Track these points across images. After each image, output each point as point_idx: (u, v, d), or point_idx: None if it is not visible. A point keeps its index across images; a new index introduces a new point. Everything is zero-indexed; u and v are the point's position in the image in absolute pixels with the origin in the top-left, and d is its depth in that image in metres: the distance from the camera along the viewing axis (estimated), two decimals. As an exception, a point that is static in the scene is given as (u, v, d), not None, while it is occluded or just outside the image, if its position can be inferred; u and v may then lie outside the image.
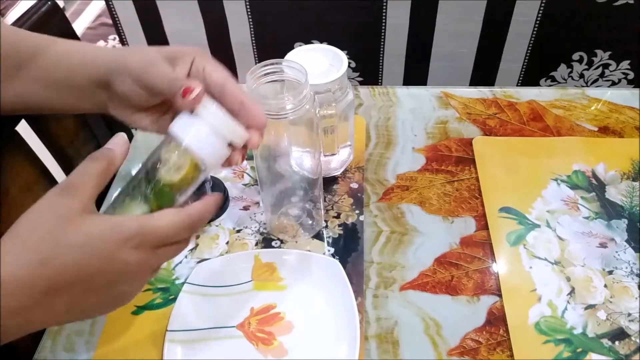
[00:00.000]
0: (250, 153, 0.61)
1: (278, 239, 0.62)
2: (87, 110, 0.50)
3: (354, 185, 0.67)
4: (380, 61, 1.08)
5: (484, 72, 1.08)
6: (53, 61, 0.48)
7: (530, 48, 1.03)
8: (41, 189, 0.67)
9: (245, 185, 0.68)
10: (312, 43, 1.03)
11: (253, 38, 1.08)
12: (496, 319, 0.54)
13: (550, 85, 1.10)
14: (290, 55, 0.62)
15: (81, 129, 0.75)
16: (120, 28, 1.09)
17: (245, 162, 0.71)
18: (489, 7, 0.97)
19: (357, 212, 0.64)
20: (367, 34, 1.04)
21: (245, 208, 0.66)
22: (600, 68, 1.06)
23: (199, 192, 0.62)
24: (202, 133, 0.41)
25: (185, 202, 0.42)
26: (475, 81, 1.10)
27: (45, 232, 0.34)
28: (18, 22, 0.63)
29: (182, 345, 0.52)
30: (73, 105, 0.49)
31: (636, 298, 0.55)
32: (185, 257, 0.61)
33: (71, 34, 0.71)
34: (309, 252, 0.60)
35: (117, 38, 1.17)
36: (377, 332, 0.54)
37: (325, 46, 0.63)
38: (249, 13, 1.04)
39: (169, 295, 0.57)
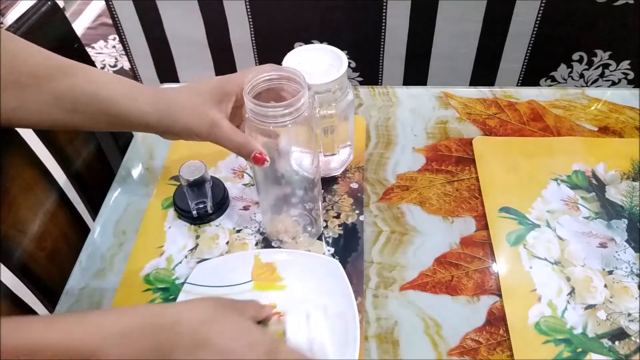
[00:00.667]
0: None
1: (278, 239, 0.62)
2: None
3: (354, 185, 0.67)
4: (380, 61, 1.08)
5: (484, 72, 1.08)
6: (86, 93, 0.51)
7: (530, 48, 1.03)
8: (41, 189, 0.67)
9: (245, 185, 0.68)
10: (312, 43, 1.03)
11: (253, 38, 1.08)
12: (496, 319, 0.54)
13: (550, 85, 1.10)
14: (290, 55, 0.62)
15: (81, 129, 0.75)
16: (120, 28, 1.09)
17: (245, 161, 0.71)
18: (489, 7, 0.97)
19: (357, 212, 0.64)
20: (367, 34, 1.04)
21: (245, 208, 0.66)
22: (600, 68, 1.06)
23: (199, 192, 0.62)
24: None
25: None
26: (475, 81, 1.10)
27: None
28: (18, 22, 0.63)
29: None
30: (90, 129, 0.57)
31: (636, 298, 0.55)
32: (185, 257, 0.61)
33: (71, 34, 0.71)
34: (309, 252, 0.60)
35: (117, 38, 1.17)
36: (377, 332, 0.54)
37: (325, 46, 0.63)
38: (249, 13, 1.04)
39: (169, 295, 0.57)
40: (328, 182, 0.67)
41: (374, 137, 0.74)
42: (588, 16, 0.97)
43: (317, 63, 0.61)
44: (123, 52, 1.13)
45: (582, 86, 1.08)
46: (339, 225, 0.63)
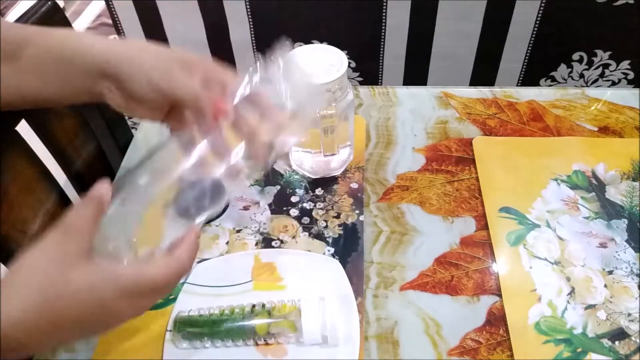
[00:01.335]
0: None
1: (278, 239, 0.62)
2: (81, 101, 0.49)
3: (354, 185, 0.67)
4: (380, 61, 1.08)
5: (484, 72, 1.08)
6: (47, 50, 0.47)
7: (530, 48, 1.03)
8: (41, 189, 0.67)
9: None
10: (312, 43, 1.03)
11: (253, 38, 1.07)
12: (496, 319, 0.54)
13: (550, 85, 1.10)
14: (290, 56, 0.62)
15: (81, 129, 0.75)
16: (120, 28, 1.09)
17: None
18: (489, 7, 0.97)
19: (357, 212, 0.64)
20: (367, 34, 1.04)
21: (245, 208, 0.66)
22: (600, 68, 1.05)
23: (199, 193, 0.62)
24: None
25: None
26: (475, 81, 1.10)
27: (49, 275, 0.36)
28: (18, 22, 0.63)
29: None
30: (67, 96, 0.48)
31: (636, 298, 0.55)
32: (185, 257, 0.61)
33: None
34: (309, 252, 0.60)
35: (117, 38, 1.17)
36: (377, 332, 0.54)
37: (325, 46, 0.63)
38: (249, 13, 1.03)
39: (169, 295, 0.57)
40: (328, 182, 0.67)
41: (374, 137, 0.74)
42: (588, 16, 0.97)
43: (317, 63, 0.61)
44: (123, 52, 1.13)
45: (582, 86, 1.08)
46: (339, 225, 0.63)
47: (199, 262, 0.59)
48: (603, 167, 0.68)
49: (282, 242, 0.62)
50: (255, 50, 1.10)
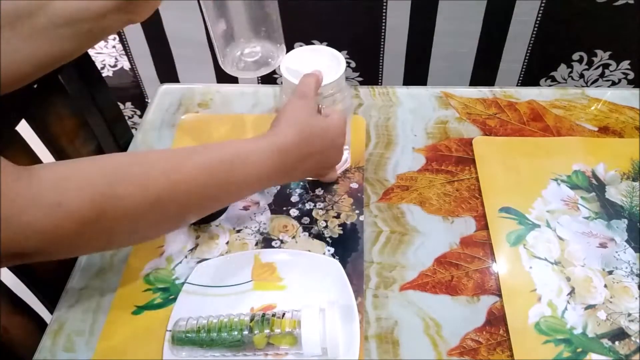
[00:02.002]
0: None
1: (278, 239, 0.62)
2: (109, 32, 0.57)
3: (354, 185, 0.67)
4: (380, 61, 1.08)
5: (484, 72, 1.08)
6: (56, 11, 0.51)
7: (530, 48, 1.03)
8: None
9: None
10: (312, 43, 1.03)
11: (253, 38, 1.08)
12: (496, 319, 0.54)
13: (550, 85, 1.10)
14: (290, 56, 0.62)
15: (81, 129, 0.75)
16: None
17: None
18: (489, 7, 0.97)
19: (357, 212, 0.64)
20: (367, 34, 1.03)
21: (245, 208, 0.66)
22: (600, 68, 1.05)
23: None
24: None
25: None
26: (475, 81, 1.10)
27: (302, 120, 0.55)
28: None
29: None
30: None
31: (636, 298, 0.55)
32: (185, 257, 0.61)
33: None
34: (309, 252, 0.60)
35: (117, 38, 1.17)
36: (377, 332, 0.54)
37: (323, 47, 0.63)
38: (249, 13, 1.03)
39: (169, 295, 0.57)
40: (328, 183, 0.67)
41: (374, 137, 0.74)
42: (588, 16, 0.97)
43: (316, 65, 0.60)
44: (123, 52, 1.13)
45: (582, 86, 1.08)
46: (339, 225, 0.63)
47: (198, 262, 0.59)
48: (603, 167, 0.68)
49: (282, 242, 0.62)
50: (255, 50, 1.10)
